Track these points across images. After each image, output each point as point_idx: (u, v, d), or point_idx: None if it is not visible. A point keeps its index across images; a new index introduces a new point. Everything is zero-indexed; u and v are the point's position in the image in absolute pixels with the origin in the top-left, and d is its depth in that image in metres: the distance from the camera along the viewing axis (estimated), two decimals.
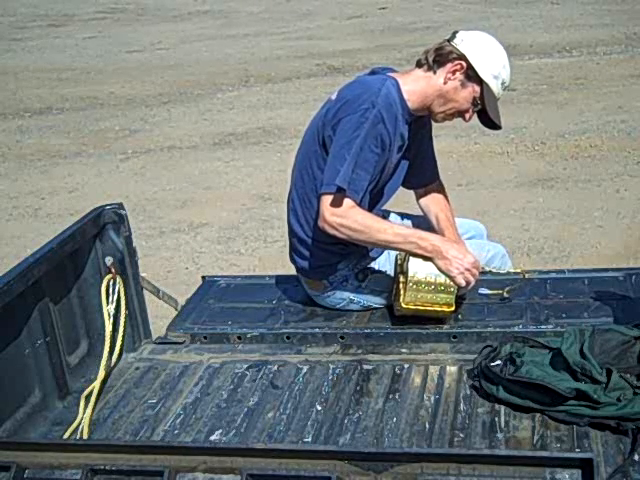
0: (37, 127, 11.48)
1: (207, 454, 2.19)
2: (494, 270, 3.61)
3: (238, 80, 13.28)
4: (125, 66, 15.20)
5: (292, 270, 3.74)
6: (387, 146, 3.33)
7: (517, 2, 16.69)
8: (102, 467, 2.21)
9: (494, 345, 3.10)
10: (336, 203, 3.27)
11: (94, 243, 3.46)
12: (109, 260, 3.45)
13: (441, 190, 3.84)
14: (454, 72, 3.38)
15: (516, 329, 3.30)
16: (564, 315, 3.38)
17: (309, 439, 2.83)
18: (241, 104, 11.90)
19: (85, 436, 3.00)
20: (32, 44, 18.36)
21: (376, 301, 3.63)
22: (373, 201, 3.53)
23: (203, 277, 4.08)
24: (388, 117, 3.28)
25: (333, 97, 3.46)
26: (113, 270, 3.45)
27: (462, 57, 3.37)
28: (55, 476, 2.24)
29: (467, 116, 3.48)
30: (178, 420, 3.03)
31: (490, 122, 3.46)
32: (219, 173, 8.98)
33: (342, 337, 3.44)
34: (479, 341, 3.28)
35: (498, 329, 3.33)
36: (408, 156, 3.61)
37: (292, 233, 3.66)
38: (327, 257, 3.56)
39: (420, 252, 3.34)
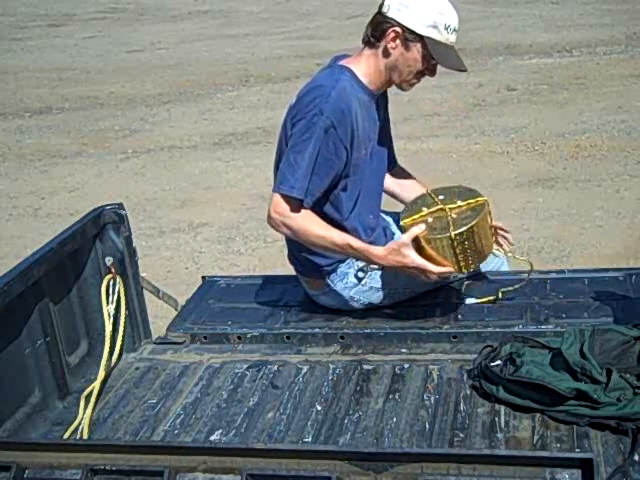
0: (37, 127, 11.48)
1: (207, 454, 2.19)
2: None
3: (238, 80, 13.27)
4: (125, 66, 15.19)
5: (292, 270, 3.74)
6: (344, 149, 3.32)
7: (517, 2, 16.67)
8: (102, 467, 2.21)
9: (494, 345, 3.10)
10: (282, 204, 3.33)
11: (94, 243, 3.46)
12: (109, 260, 3.45)
13: (407, 173, 3.91)
14: (393, 40, 3.33)
15: (516, 329, 3.30)
16: (564, 315, 3.38)
17: (309, 439, 2.84)
18: (241, 104, 11.90)
19: (85, 436, 3.00)
20: (32, 44, 18.35)
21: (376, 298, 3.62)
22: (359, 203, 3.54)
23: (203, 277, 4.08)
24: (338, 122, 3.26)
25: (294, 97, 3.47)
26: (113, 270, 3.45)
27: (393, 23, 3.32)
28: (55, 476, 2.24)
29: (428, 74, 3.42)
30: (178, 420, 3.03)
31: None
32: (219, 173, 8.98)
33: (342, 337, 3.44)
34: (479, 341, 3.28)
35: (498, 329, 3.33)
36: (384, 138, 3.64)
37: (287, 237, 3.66)
38: (325, 259, 3.56)
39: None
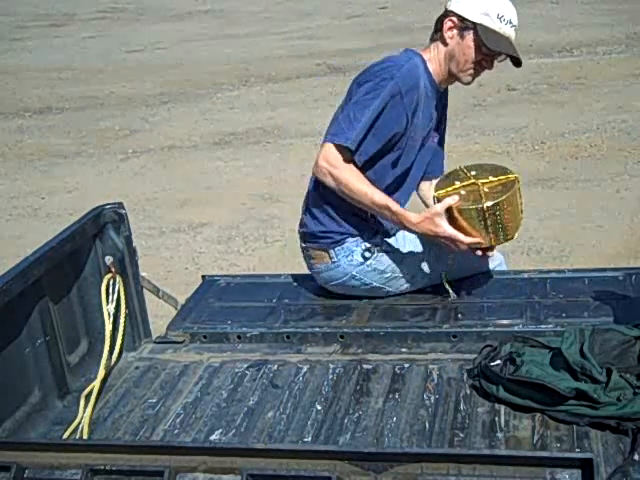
0: (37, 127, 11.48)
1: (207, 454, 2.19)
2: None
3: (238, 80, 13.28)
4: (125, 66, 15.21)
5: (292, 270, 3.74)
6: (406, 118, 3.43)
7: (517, 2, 16.69)
8: (102, 467, 2.20)
9: (494, 345, 3.10)
10: (334, 154, 3.42)
11: (94, 242, 3.46)
12: (109, 259, 3.45)
13: None
14: (450, 29, 3.48)
15: (516, 328, 3.30)
16: (564, 315, 3.38)
17: (309, 439, 2.83)
18: (241, 104, 11.90)
19: (85, 436, 3.00)
20: (32, 44, 18.37)
21: (378, 281, 3.65)
22: (396, 183, 3.63)
23: (203, 276, 4.08)
24: (407, 92, 3.39)
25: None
26: (113, 269, 3.45)
27: (450, 13, 3.48)
28: (55, 476, 2.23)
29: (485, 65, 3.53)
30: (178, 420, 3.03)
31: (514, 59, 3.52)
32: (219, 173, 8.98)
33: (342, 336, 3.44)
34: (479, 340, 3.27)
35: (498, 328, 3.33)
36: (434, 138, 3.74)
37: (309, 196, 3.75)
38: (338, 227, 3.62)
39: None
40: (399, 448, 2.65)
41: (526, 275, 3.77)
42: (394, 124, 3.43)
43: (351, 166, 3.42)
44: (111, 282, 3.44)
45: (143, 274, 3.71)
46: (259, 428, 2.93)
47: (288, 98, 11.85)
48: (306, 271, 3.80)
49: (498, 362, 2.98)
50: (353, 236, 3.63)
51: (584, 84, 11.07)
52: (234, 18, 19.81)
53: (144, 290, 3.67)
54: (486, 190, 3.36)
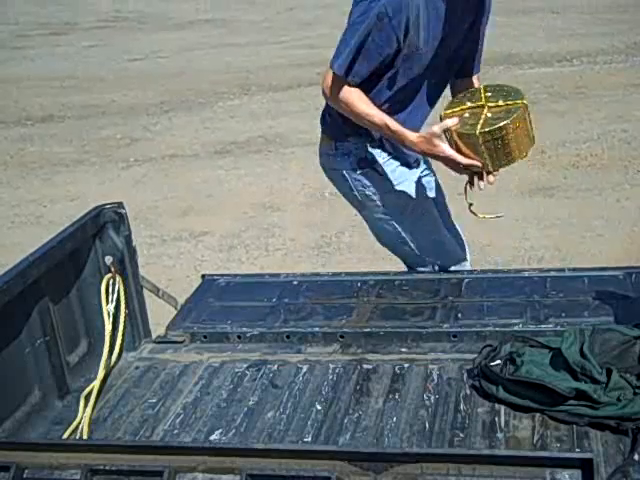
0: (39, 135, 11.49)
1: (207, 454, 2.19)
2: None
3: (239, 89, 13.29)
4: (127, 74, 15.22)
5: (292, 269, 3.75)
6: (394, 43, 3.44)
7: (517, 11, 16.70)
8: (102, 467, 2.20)
9: (494, 345, 3.10)
10: (331, 77, 3.55)
11: (94, 242, 3.46)
12: (109, 259, 3.45)
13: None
14: None
15: (516, 328, 3.29)
16: (564, 314, 3.38)
17: (309, 439, 2.83)
18: (242, 113, 11.91)
19: (85, 435, 3.00)
20: (34, 52, 18.38)
21: (359, 191, 3.79)
22: (404, 101, 3.67)
23: (203, 275, 4.07)
24: (394, 12, 3.37)
25: None
26: (113, 269, 3.45)
27: None
28: (55, 476, 2.23)
29: None
30: (178, 420, 3.03)
31: None
32: (220, 181, 8.99)
33: (342, 336, 3.43)
34: (479, 340, 3.27)
35: (498, 328, 3.32)
36: (451, 53, 3.65)
37: None
38: (343, 122, 3.69)
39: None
40: (399, 448, 2.65)
41: (526, 274, 3.77)
42: (384, 46, 3.44)
43: (349, 88, 3.53)
44: (111, 282, 3.44)
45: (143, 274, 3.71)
46: (259, 428, 2.92)
47: (289, 107, 11.86)
48: (306, 271, 3.81)
49: (498, 362, 2.98)
50: (354, 137, 3.72)
51: (584, 93, 11.07)
52: (235, 27, 19.83)
53: (144, 290, 3.67)
54: (489, 115, 3.36)
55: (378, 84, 3.60)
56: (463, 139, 3.37)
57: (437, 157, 3.50)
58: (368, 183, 3.77)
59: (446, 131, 3.40)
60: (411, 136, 3.50)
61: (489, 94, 3.45)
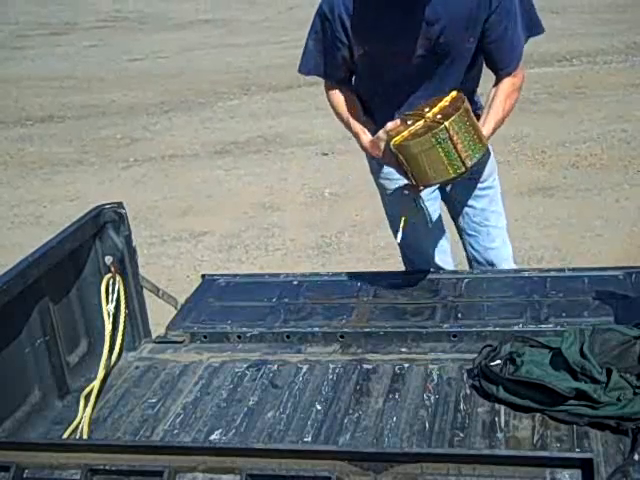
0: (39, 135, 11.49)
1: (207, 454, 2.19)
2: None
3: (239, 89, 13.29)
4: (126, 74, 15.22)
5: (292, 269, 3.75)
6: (339, 40, 3.47)
7: None
8: (102, 467, 2.21)
9: (494, 344, 3.10)
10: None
11: (94, 242, 3.46)
12: (109, 259, 3.45)
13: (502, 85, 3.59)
14: None
15: (516, 328, 3.30)
16: (564, 314, 3.38)
17: (309, 439, 2.83)
18: (242, 113, 11.91)
19: (85, 435, 3.00)
20: (34, 52, 18.38)
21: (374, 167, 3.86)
22: (381, 97, 3.66)
23: (202, 275, 4.07)
24: (330, 12, 3.43)
25: None
26: (113, 269, 3.45)
27: None
28: (55, 476, 2.24)
29: None
30: (178, 420, 3.03)
31: None
32: (220, 182, 8.99)
33: (342, 336, 3.43)
34: (479, 340, 3.27)
35: (498, 328, 3.32)
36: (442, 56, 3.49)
37: None
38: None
39: None
40: (399, 448, 2.65)
41: (526, 274, 3.77)
42: (336, 43, 3.49)
43: (333, 91, 3.67)
44: (111, 282, 3.44)
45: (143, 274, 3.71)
46: (259, 428, 2.92)
47: (289, 107, 11.86)
48: (306, 271, 3.81)
49: (498, 362, 2.98)
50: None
51: (584, 93, 11.07)
52: (235, 27, 19.82)
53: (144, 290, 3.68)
54: (415, 129, 3.20)
55: (357, 79, 3.69)
56: (391, 147, 3.25)
57: (383, 161, 3.49)
58: (373, 170, 3.88)
59: (388, 135, 3.29)
60: (364, 139, 3.56)
61: (437, 107, 3.26)
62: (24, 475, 2.24)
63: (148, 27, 21.14)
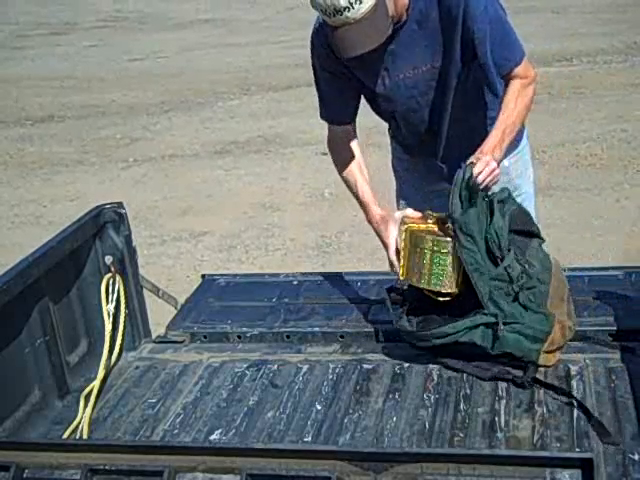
0: (39, 135, 11.51)
1: (207, 454, 2.19)
2: None
3: (239, 89, 13.30)
4: (126, 74, 15.24)
5: (292, 269, 3.75)
6: (332, 74, 3.37)
7: (518, 11, 16.69)
8: (102, 467, 2.21)
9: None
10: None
11: (94, 242, 3.46)
12: (109, 259, 3.44)
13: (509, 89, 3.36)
14: None
15: None
16: None
17: (309, 439, 2.82)
18: (242, 113, 11.93)
19: (85, 435, 2.99)
20: (34, 52, 18.41)
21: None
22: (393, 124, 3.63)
23: (202, 275, 4.06)
24: (316, 47, 3.33)
25: None
26: (113, 269, 3.44)
27: None
28: (55, 476, 2.24)
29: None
30: (178, 419, 3.02)
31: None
32: (220, 181, 9.00)
33: (342, 336, 3.43)
34: None
35: None
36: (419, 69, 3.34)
37: None
38: None
39: None
40: (399, 448, 2.64)
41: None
42: (322, 81, 3.43)
43: (338, 146, 3.53)
44: (111, 282, 3.44)
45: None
46: (259, 428, 2.91)
47: (289, 107, 11.87)
48: (306, 271, 3.81)
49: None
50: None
51: (584, 93, 11.09)
52: (235, 27, 19.84)
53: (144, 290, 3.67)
54: (437, 230, 3.13)
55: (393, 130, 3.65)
56: (403, 234, 3.16)
57: (379, 238, 3.37)
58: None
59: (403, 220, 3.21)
60: (375, 211, 3.41)
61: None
62: (24, 475, 2.24)
63: (148, 27, 21.16)
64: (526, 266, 2.94)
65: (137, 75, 15.12)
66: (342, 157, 3.52)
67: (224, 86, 13.53)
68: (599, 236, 6.62)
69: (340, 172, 3.54)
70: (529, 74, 3.34)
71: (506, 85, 3.32)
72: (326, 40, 3.16)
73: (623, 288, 3.49)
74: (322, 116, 3.53)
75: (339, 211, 7.70)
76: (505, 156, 3.25)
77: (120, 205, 3.51)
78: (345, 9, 2.85)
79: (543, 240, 3.12)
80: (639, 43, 13.70)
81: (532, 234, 3.09)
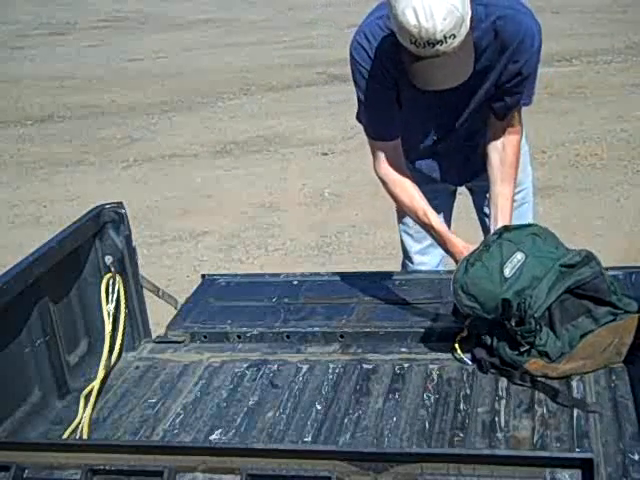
0: (39, 135, 11.50)
1: (207, 454, 2.19)
2: None
3: (239, 88, 13.30)
4: (127, 74, 15.23)
5: (292, 269, 3.74)
6: (370, 84, 3.25)
7: None
8: (102, 467, 2.21)
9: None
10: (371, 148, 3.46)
11: (94, 242, 3.45)
12: (109, 259, 3.44)
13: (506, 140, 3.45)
14: None
15: None
16: None
17: (309, 439, 2.82)
18: (242, 112, 11.92)
19: (85, 435, 2.99)
20: (34, 52, 18.40)
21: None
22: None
23: (203, 275, 4.06)
24: (358, 55, 3.21)
25: None
26: (113, 269, 3.44)
27: None
28: (55, 476, 2.24)
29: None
30: (178, 420, 3.02)
31: None
32: (220, 181, 9.00)
33: (342, 336, 3.43)
34: None
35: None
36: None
37: None
38: None
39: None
40: (399, 448, 2.64)
41: None
42: (364, 92, 3.29)
43: (388, 169, 3.39)
44: (111, 282, 3.44)
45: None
46: (259, 428, 2.91)
47: (289, 107, 11.86)
48: (306, 271, 3.80)
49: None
50: None
51: (584, 93, 11.09)
52: (235, 27, 19.84)
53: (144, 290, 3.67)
54: None
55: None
56: None
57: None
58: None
59: None
60: (459, 243, 3.28)
61: None
62: (24, 475, 2.24)
63: (148, 27, 21.16)
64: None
65: (137, 75, 15.11)
66: (399, 182, 3.39)
67: (224, 86, 13.53)
68: (599, 236, 6.61)
69: (399, 197, 3.42)
70: (521, 122, 3.46)
71: (500, 128, 3.42)
72: (391, 53, 3.09)
73: (623, 288, 3.48)
74: (372, 135, 3.39)
75: (339, 211, 7.70)
76: None
77: (120, 205, 3.51)
78: (439, 42, 2.81)
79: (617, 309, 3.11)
80: (639, 43, 13.71)
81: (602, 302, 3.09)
